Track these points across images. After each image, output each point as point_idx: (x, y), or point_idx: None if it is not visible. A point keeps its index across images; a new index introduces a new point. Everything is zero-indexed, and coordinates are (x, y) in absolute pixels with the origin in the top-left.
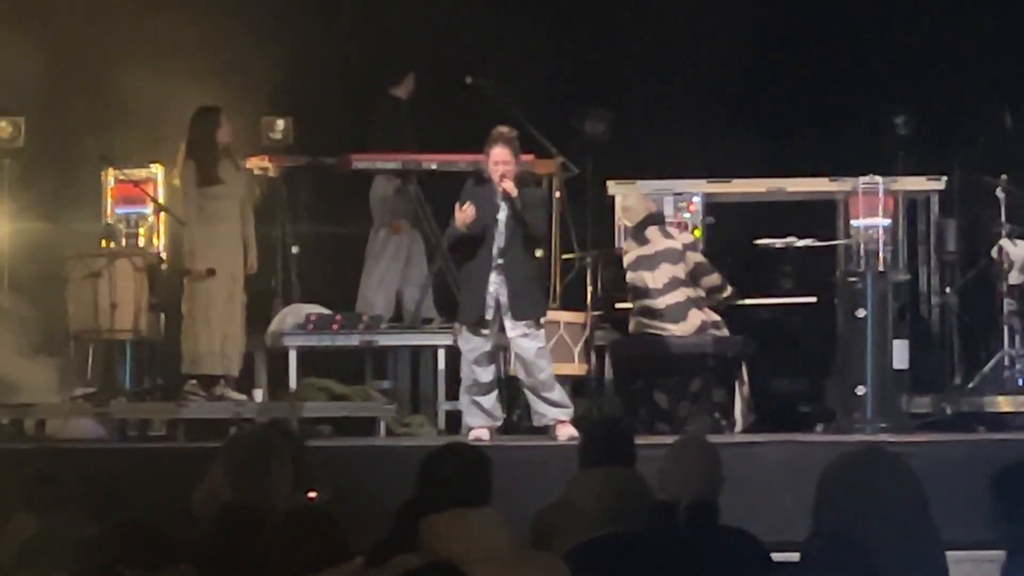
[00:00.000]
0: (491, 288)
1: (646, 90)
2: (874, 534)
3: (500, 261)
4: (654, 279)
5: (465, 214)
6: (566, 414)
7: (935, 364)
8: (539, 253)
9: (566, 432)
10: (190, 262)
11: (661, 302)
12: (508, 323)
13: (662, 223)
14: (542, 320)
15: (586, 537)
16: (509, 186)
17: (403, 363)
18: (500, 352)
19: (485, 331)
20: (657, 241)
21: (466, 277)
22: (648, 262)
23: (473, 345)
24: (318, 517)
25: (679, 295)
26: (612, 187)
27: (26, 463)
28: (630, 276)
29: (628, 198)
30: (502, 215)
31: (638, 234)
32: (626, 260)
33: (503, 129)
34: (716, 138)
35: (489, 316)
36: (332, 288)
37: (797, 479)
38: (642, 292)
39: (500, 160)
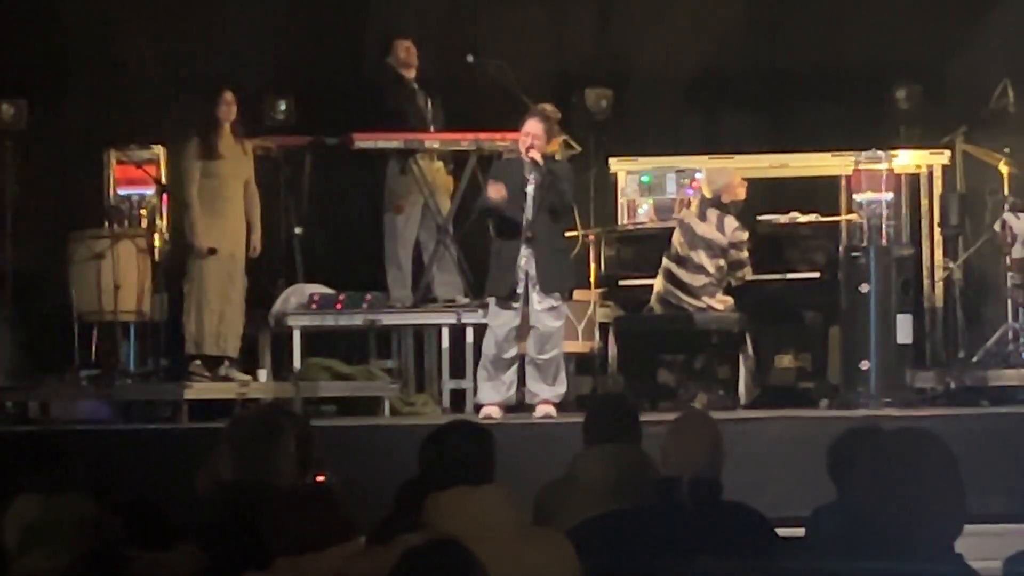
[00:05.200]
0: (521, 261)
1: (648, 67)
2: (891, 509)
3: (529, 234)
4: (688, 257)
5: (497, 191)
6: (558, 397)
7: (939, 338)
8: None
9: (544, 410)
10: (191, 241)
11: (682, 274)
12: (536, 296)
13: (728, 212)
14: (567, 295)
15: (590, 514)
16: (535, 154)
17: (407, 342)
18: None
19: (516, 305)
20: (709, 228)
21: (497, 251)
22: (692, 238)
23: (503, 320)
24: (322, 496)
25: (696, 280)
26: (614, 164)
27: (30, 445)
28: (676, 235)
29: (720, 173)
30: (530, 188)
31: (704, 207)
32: (682, 214)
33: (544, 105)
34: (718, 114)
35: (520, 290)
36: (335, 268)
37: (801, 455)
38: (678, 258)
39: (530, 132)
